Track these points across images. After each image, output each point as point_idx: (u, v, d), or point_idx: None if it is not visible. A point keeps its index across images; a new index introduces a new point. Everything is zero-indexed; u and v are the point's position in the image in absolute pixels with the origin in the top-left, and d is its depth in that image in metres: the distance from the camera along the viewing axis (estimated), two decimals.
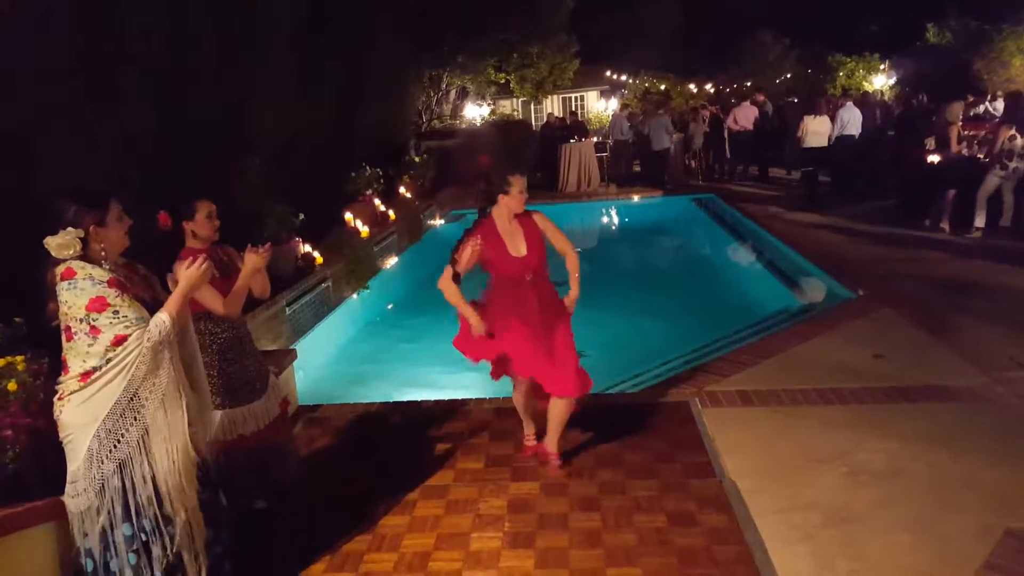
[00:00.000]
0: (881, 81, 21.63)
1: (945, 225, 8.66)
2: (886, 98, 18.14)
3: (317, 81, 9.65)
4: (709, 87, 27.82)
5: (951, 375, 4.65)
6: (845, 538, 3.10)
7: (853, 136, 11.41)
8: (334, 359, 7.17)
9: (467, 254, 3.47)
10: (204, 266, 2.63)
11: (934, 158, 9.11)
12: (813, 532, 3.15)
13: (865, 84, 21.66)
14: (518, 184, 3.54)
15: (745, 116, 14.57)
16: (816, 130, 11.36)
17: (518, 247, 3.56)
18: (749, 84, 24.67)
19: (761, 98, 15.63)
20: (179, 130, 6.01)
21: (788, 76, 26.61)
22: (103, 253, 2.52)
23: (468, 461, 4.01)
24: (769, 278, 8.30)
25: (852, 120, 11.39)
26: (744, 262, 9.71)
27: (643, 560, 3.06)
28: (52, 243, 2.42)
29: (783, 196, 12.42)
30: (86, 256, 2.49)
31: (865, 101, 12.23)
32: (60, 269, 2.45)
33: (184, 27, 6.36)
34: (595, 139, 17.22)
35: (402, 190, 12.51)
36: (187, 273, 2.60)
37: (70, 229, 2.43)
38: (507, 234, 3.58)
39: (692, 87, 26.89)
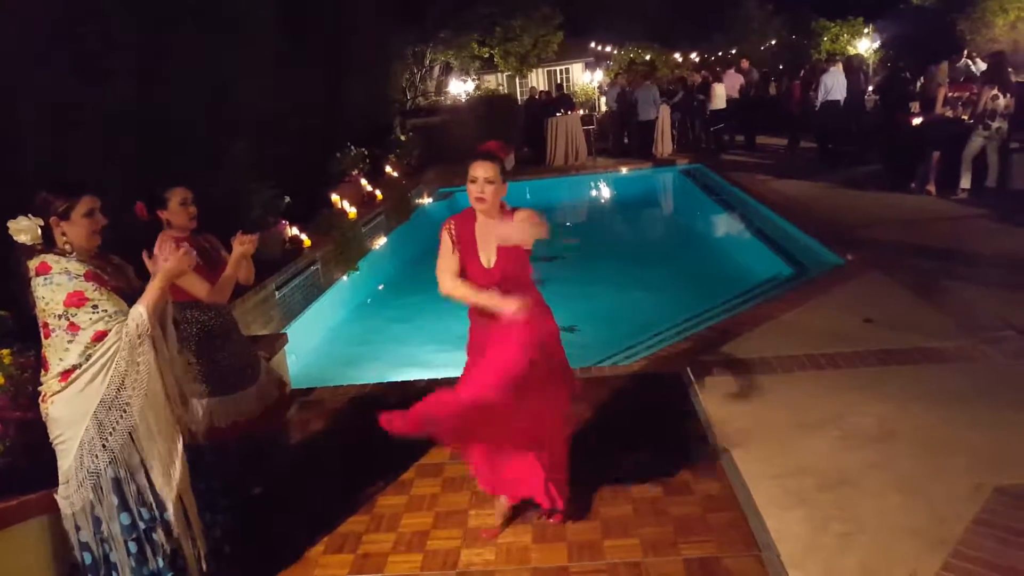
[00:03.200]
0: (866, 45, 21.53)
1: (931, 188, 8.68)
2: (870, 62, 18.09)
3: (300, 60, 9.50)
4: (694, 56, 27.62)
5: (940, 337, 4.68)
6: (838, 501, 3.13)
7: (838, 101, 11.38)
8: (326, 342, 7.16)
9: (446, 245, 2.90)
10: (185, 258, 2.58)
11: (918, 120, 9.11)
12: (807, 496, 3.18)
13: (849, 48, 21.55)
14: (473, 169, 2.82)
15: (730, 84, 14.50)
16: (719, 94, 14.03)
17: (488, 255, 2.88)
18: (734, 52, 24.50)
19: (746, 65, 15.54)
20: (159, 112, 5.91)
21: (773, 43, 26.43)
22: (68, 247, 2.46)
23: None
24: (758, 246, 8.33)
25: (836, 85, 11.36)
26: (733, 231, 9.74)
27: (640, 531, 3.09)
28: (11, 226, 2.39)
29: (771, 164, 12.40)
30: (53, 248, 2.44)
31: (850, 65, 12.16)
32: (34, 263, 2.41)
33: (165, 4, 6.23)
34: (581, 112, 17.10)
35: (388, 169, 12.41)
36: (168, 265, 2.55)
37: (30, 216, 2.39)
38: (483, 234, 2.90)
39: (677, 56, 26.67)
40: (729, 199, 10.73)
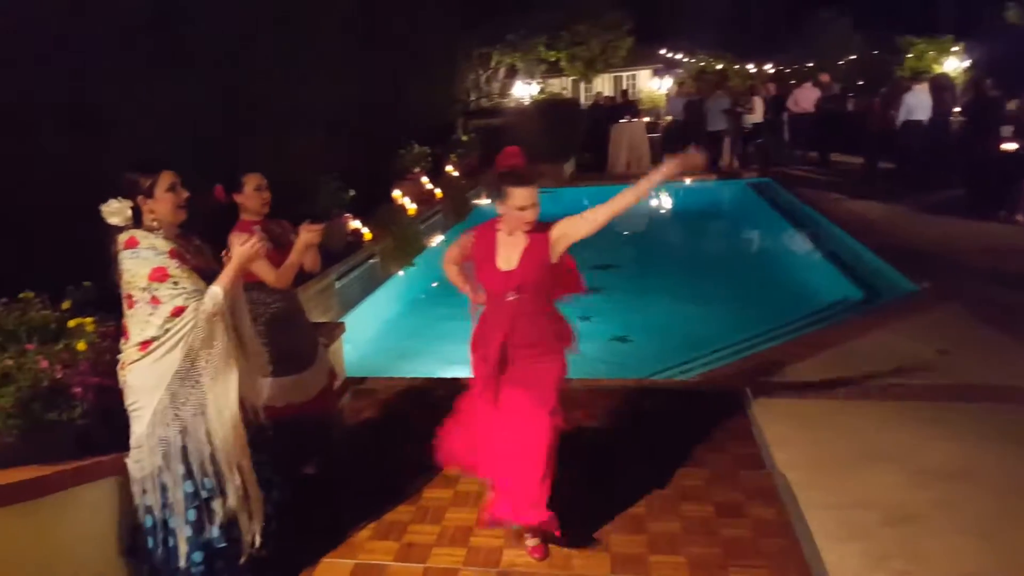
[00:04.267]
0: (953, 64, 20.62)
1: (1021, 217, 8.23)
2: (958, 83, 17.30)
3: (369, 58, 9.67)
4: (769, 67, 26.99)
5: (1020, 375, 4.42)
6: (901, 538, 2.98)
7: (920, 121, 10.91)
8: (380, 333, 7.25)
9: (460, 243, 3.03)
10: (257, 246, 2.68)
11: (1010, 146, 8.64)
12: (867, 530, 3.04)
13: (935, 67, 20.67)
14: (519, 198, 2.70)
15: (806, 98, 14.06)
16: (756, 107, 14.25)
17: (509, 258, 2.82)
18: (811, 65, 23.83)
19: (827, 79, 15.01)
20: (234, 101, 6.09)
21: (853, 58, 25.60)
22: (155, 224, 2.57)
23: None
24: (827, 267, 8.05)
25: (919, 105, 10.89)
26: (801, 250, 9.44)
27: (687, 549, 3.02)
28: (104, 210, 2.50)
29: (844, 182, 11.99)
30: (141, 226, 2.55)
31: (936, 85, 11.62)
32: (123, 238, 2.52)
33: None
34: (646, 119, 16.89)
35: (449, 169, 12.50)
36: (240, 251, 2.65)
37: (120, 198, 2.51)
38: (504, 243, 2.85)
39: (751, 67, 26.11)
40: (798, 216, 10.41)
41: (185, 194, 2.64)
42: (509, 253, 2.82)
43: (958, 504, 3.19)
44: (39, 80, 4.38)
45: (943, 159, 11.16)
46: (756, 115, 14.19)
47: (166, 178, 2.58)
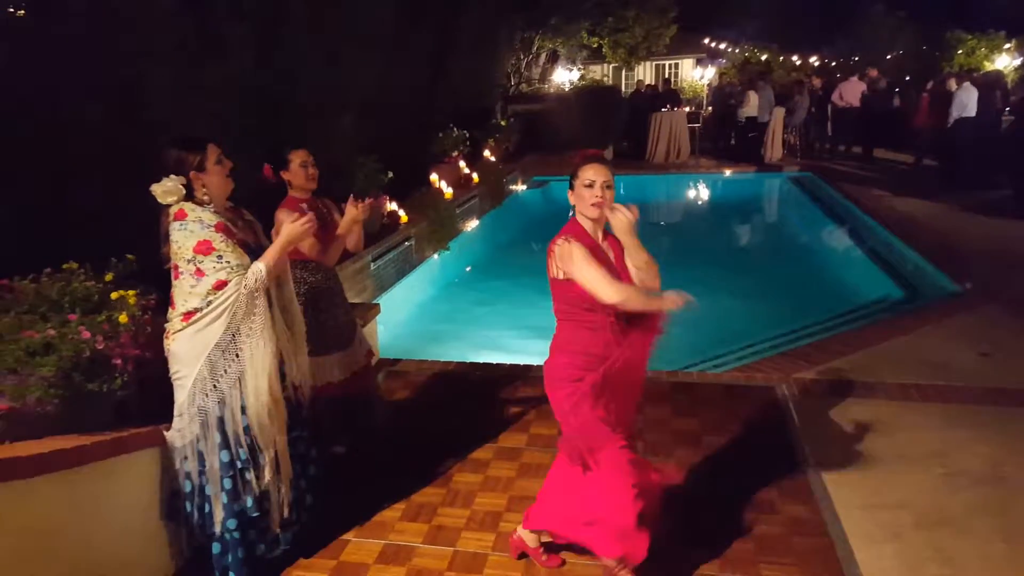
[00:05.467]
0: (1005, 61, 19.91)
1: None
2: (1009, 80, 16.71)
3: (410, 40, 9.67)
4: (814, 60, 26.35)
5: None
6: (936, 541, 2.94)
7: (972, 119, 10.59)
8: (413, 316, 7.31)
9: (578, 254, 2.38)
10: (308, 225, 2.69)
11: None
12: (902, 532, 3.00)
13: (986, 64, 19.99)
14: (589, 172, 2.45)
15: (851, 92, 13.74)
16: (752, 102, 13.98)
17: (611, 266, 2.49)
18: (857, 59, 23.23)
19: (874, 74, 14.64)
20: (275, 81, 6.14)
21: (900, 52, 24.86)
22: (207, 197, 2.62)
23: (541, 427, 4.01)
24: (868, 264, 7.90)
25: (971, 101, 10.57)
26: (841, 246, 9.26)
27: (719, 544, 2.99)
28: (157, 190, 2.55)
29: (888, 179, 11.71)
30: (194, 200, 2.60)
31: (987, 82, 11.25)
32: (173, 210, 2.57)
33: None
34: (687, 109, 16.66)
35: (486, 153, 12.50)
36: (290, 228, 2.67)
37: (172, 176, 2.55)
38: (599, 251, 2.50)
39: (795, 59, 25.52)
40: (840, 211, 10.21)
41: (230, 164, 2.69)
42: (608, 261, 2.50)
43: (994, 509, 3.13)
44: (84, 57, 4.45)
45: (992, 158, 10.83)
46: (751, 108, 14.08)
47: (213, 151, 2.63)
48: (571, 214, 2.56)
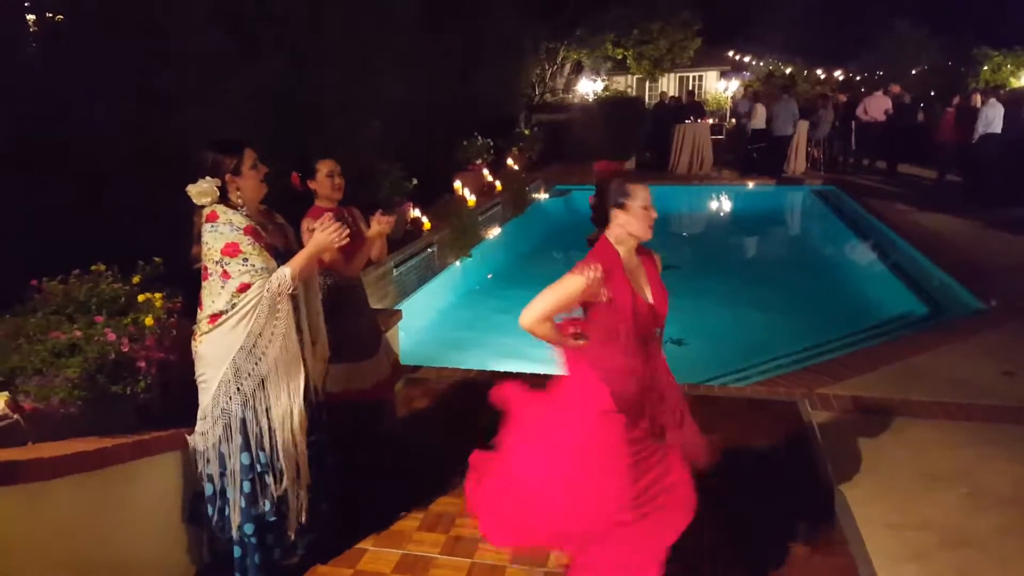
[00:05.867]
0: None
1: None
2: None
3: (436, 49, 9.75)
4: (838, 74, 26.20)
5: None
6: (960, 562, 2.88)
7: (998, 135, 10.46)
8: (434, 323, 7.34)
9: (572, 286, 2.32)
10: (338, 234, 2.68)
11: None
12: (925, 552, 2.95)
13: (1012, 80, 19.73)
14: (645, 194, 2.39)
15: (876, 106, 13.63)
16: (759, 114, 14.16)
17: (643, 288, 2.45)
18: (881, 73, 23.05)
19: (897, 89, 14.55)
20: (303, 89, 6.22)
21: (925, 68, 24.64)
22: (240, 201, 2.65)
23: None
24: (891, 279, 7.80)
25: (997, 118, 10.45)
26: (864, 260, 9.17)
27: (739, 561, 2.97)
28: (192, 191, 2.58)
29: (912, 194, 11.58)
30: (227, 203, 2.63)
31: (1013, 99, 11.12)
32: (206, 212, 2.60)
33: None
34: (711, 121, 16.61)
35: (510, 162, 12.55)
36: (320, 236, 2.67)
37: (208, 178, 2.58)
38: (631, 271, 2.44)
39: (820, 73, 25.40)
40: (863, 226, 10.11)
41: (265, 169, 2.72)
42: (639, 283, 2.44)
43: (1019, 529, 3.06)
44: (119, 60, 4.54)
45: (1017, 174, 10.69)
46: (758, 121, 14.09)
47: (249, 155, 2.66)
48: (595, 232, 2.48)
